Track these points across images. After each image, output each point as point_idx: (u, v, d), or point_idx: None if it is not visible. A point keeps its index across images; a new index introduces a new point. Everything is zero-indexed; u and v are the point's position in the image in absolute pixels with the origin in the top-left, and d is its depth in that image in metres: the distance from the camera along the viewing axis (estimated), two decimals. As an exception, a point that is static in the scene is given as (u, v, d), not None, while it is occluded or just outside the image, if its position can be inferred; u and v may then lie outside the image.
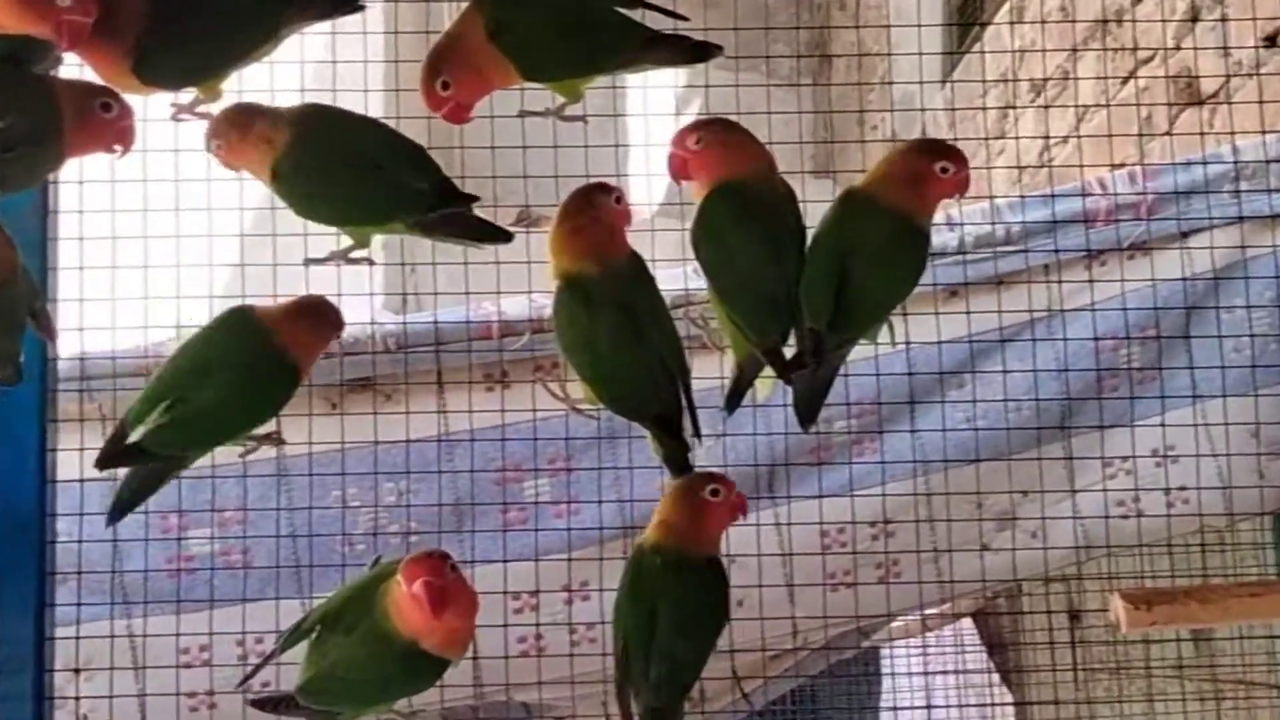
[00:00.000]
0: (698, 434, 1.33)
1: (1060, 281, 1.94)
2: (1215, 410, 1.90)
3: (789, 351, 1.27)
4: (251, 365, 1.32)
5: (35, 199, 1.54)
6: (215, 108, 1.30)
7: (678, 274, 1.68)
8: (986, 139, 3.22)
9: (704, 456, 1.42)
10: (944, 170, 1.26)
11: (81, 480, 1.72)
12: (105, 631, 1.78)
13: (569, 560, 1.85)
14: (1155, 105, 2.59)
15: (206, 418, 1.30)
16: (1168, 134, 2.62)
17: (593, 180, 1.36)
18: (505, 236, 1.33)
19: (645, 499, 1.79)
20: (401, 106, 1.56)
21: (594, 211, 1.29)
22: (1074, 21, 2.95)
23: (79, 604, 1.80)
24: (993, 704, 3.64)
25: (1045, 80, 3.17)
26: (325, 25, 1.42)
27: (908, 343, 1.81)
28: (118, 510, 1.35)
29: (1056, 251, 1.93)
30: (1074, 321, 1.92)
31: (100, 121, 1.20)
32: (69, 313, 1.78)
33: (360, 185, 1.28)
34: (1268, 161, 1.93)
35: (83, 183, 1.81)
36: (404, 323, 1.97)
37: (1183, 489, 1.92)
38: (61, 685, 1.71)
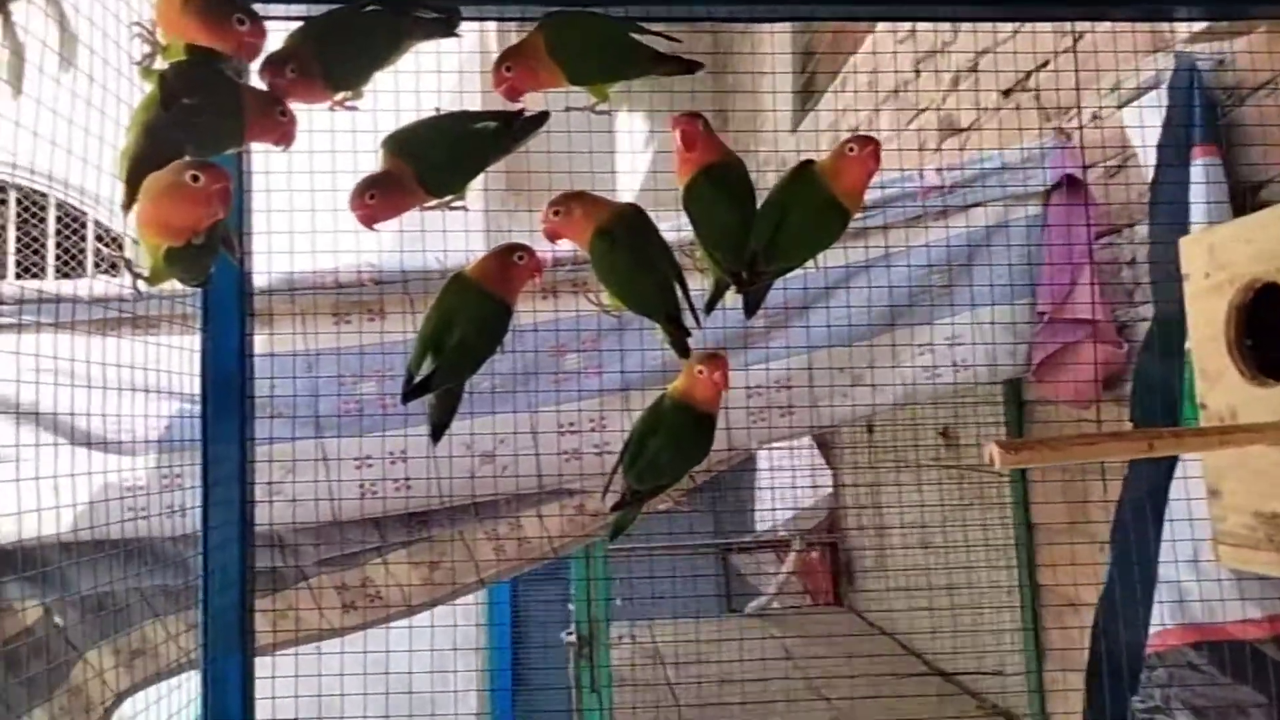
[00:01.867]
0: (698, 323, 1.57)
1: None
2: (986, 314, 2.75)
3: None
4: (478, 311, 1.55)
5: (233, 157, 1.76)
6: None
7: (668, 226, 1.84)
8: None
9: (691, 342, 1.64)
10: (850, 149, 1.48)
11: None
12: (306, 449, 2.55)
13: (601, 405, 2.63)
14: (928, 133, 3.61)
15: (458, 356, 1.54)
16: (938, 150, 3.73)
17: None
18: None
19: (637, 370, 2.62)
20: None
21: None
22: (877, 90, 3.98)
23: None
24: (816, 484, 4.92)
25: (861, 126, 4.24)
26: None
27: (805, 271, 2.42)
28: (437, 430, 1.58)
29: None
30: (902, 259, 2.76)
31: (275, 121, 1.45)
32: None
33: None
34: (1023, 167, 2.79)
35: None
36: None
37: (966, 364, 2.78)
38: (280, 477, 2.53)
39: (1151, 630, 2.30)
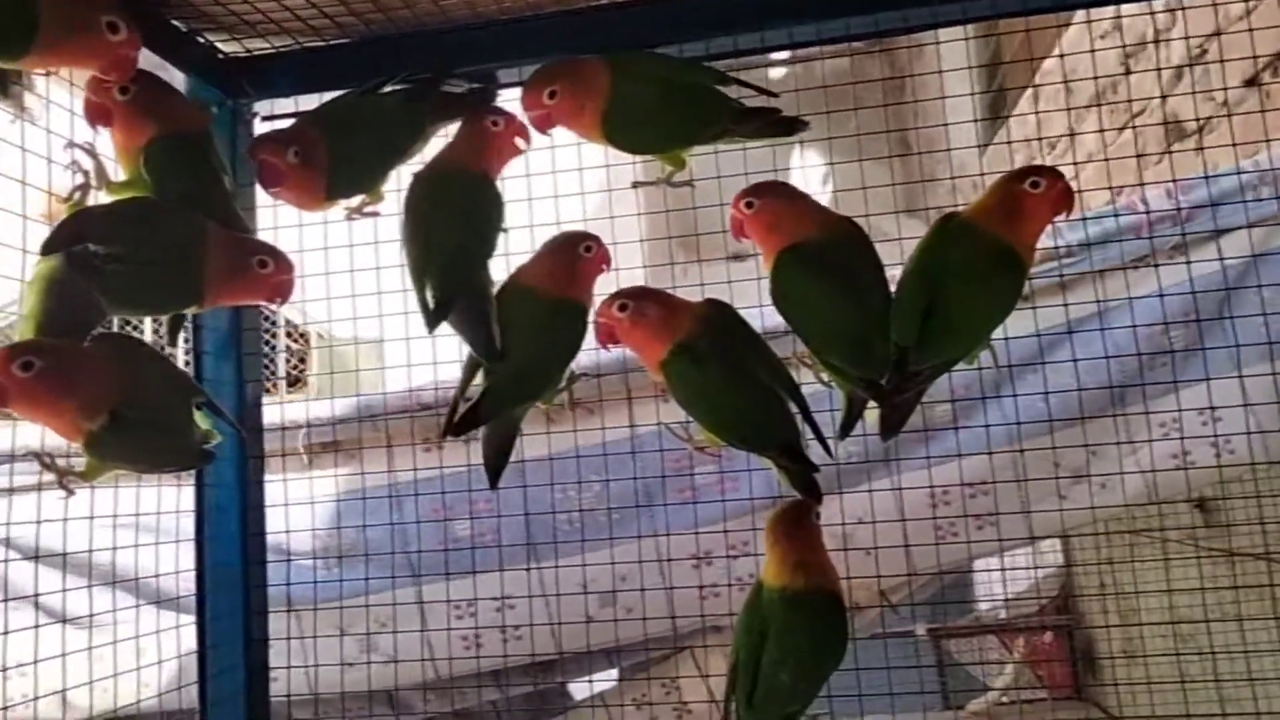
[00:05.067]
0: (827, 450, 1.30)
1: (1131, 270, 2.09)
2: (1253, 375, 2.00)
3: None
4: (541, 317, 1.32)
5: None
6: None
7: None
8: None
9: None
10: (1034, 185, 1.20)
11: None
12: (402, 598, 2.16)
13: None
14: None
15: (515, 373, 1.31)
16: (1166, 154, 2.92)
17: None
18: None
19: None
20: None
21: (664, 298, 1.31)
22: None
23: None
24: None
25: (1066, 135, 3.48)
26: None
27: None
28: (494, 473, 1.38)
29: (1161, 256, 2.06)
30: (1124, 314, 2.08)
31: (255, 276, 1.25)
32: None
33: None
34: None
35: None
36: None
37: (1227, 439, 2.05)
38: (376, 639, 2.14)
39: None
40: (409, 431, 2.22)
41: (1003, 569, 4.31)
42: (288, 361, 5.98)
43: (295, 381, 5.61)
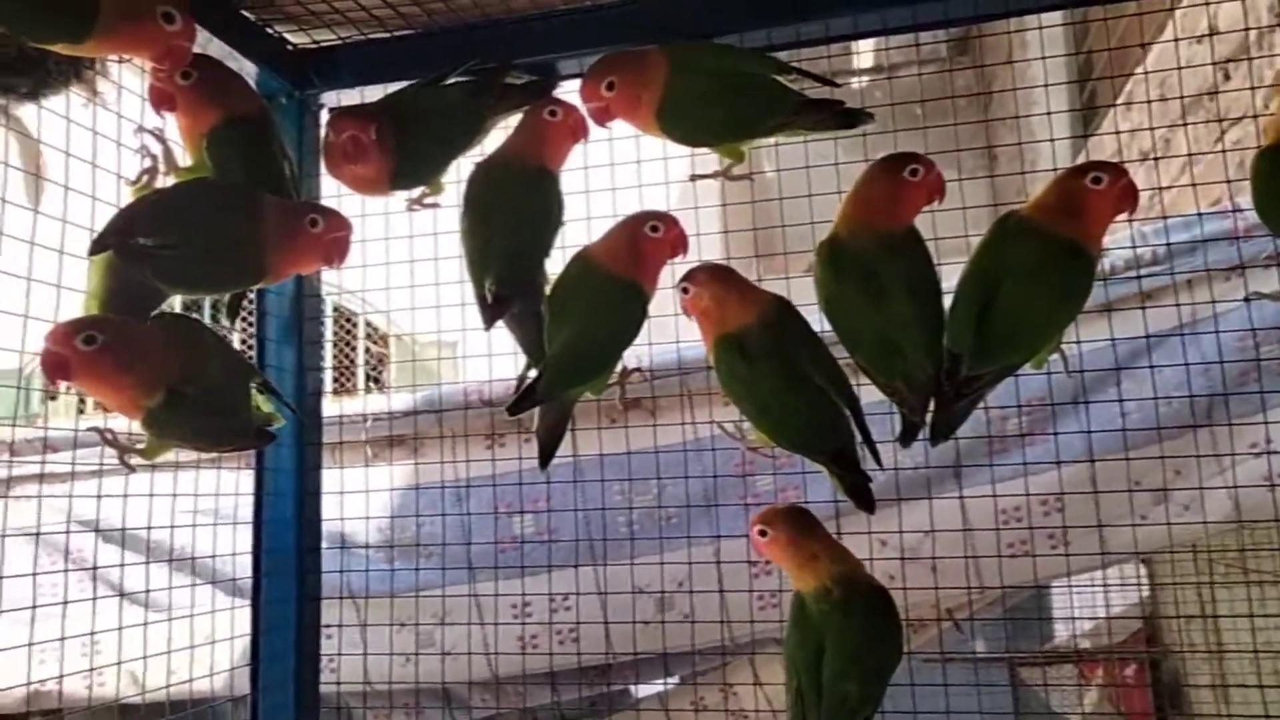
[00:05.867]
0: (878, 462, 1.25)
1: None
2: None
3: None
4: (601, 297, 1.30)
5: (290, 286, 1.58)
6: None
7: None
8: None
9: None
10: (1096, 181, 1.15)
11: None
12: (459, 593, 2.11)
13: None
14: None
15: (573, 353, 1.29)
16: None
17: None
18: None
19: None
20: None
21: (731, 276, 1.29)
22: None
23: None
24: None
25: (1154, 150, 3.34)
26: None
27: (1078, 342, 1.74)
28: (545, 456, 1.37)
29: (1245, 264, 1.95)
30: (1213, 325, 1.94)
31: (308, 236, 1.24)
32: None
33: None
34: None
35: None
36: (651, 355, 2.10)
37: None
38: (429, 632, 2.17)
39: None
40: (471, 427, 2.21)
41: (1083, 590, 4.13)
42: (367, 363, 6.09)
43: (374, 381, 5.70)
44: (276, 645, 1.53)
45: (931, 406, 1.25)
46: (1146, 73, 3.02)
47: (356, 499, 2.13)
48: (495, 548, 2.17)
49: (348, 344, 5.82)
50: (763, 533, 1.27)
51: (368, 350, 6.09)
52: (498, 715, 2.30)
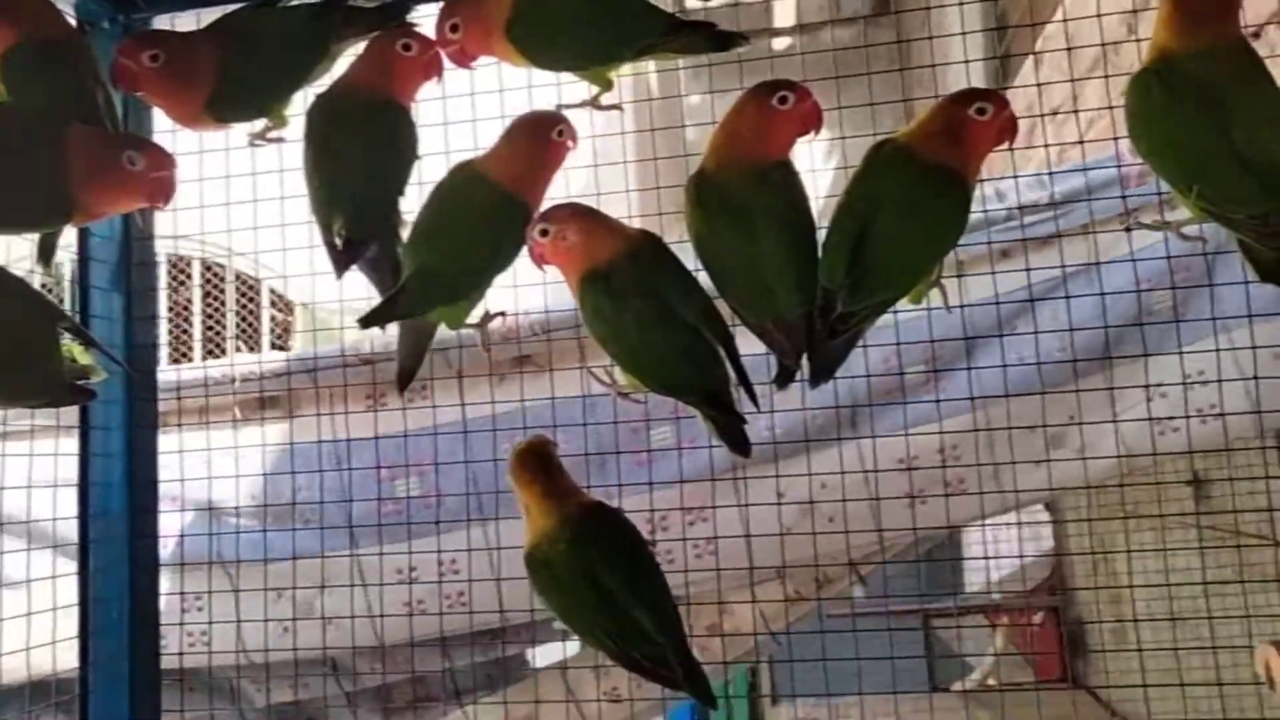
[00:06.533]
0: (754, 401, 1.20)
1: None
2: (1242, 338, 1.89)
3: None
4: (481, 208, 1.23)
5: (118, 229, 1.48)
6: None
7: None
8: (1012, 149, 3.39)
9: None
10: (980, 111, 1.11)
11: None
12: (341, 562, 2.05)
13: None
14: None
15: (442, 265, 1.22)
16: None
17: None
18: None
19: (757, 442, 2.06)
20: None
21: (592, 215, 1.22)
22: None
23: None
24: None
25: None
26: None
27: (962, 306, 1.86)
28: (404, 380, 1.31)
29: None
30: (1110, 271, 1.99)
31: (125, 175, 1.11)
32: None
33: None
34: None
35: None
36: (547, 311, 2.11)
37: (1213, 408, 1.92)
38: (309, 599, 2.03)
39: None
40: (348, 388, 2.10)
41: (988, 557, 4.22)
42: (272, 332, 5.89)
43: (250, 344, 5.51)
44: (108, 617, 1.42)
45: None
46: (1065, 20, 2.98)
47: (226, 464, 2.03)
48: (379, 509, 2.08)
49: (251, 310, 5.62)
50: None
51: (272, 319, 5.89)
52: (385, 685, 2.21)
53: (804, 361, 1.20)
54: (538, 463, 1.27)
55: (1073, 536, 4.27)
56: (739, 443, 1.20)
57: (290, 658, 2.03)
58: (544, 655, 2.34)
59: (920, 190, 1.12)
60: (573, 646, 2.31)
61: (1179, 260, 1.97)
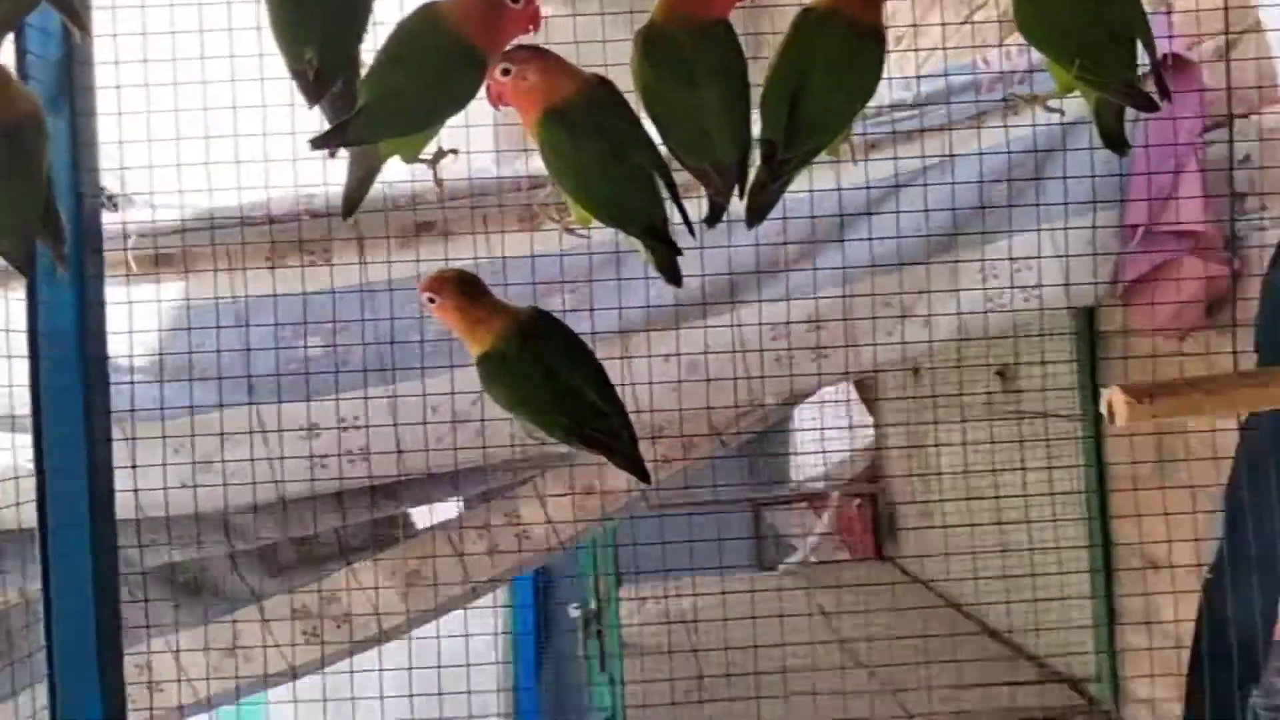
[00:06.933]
0: (692, 232, 1.30)
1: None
2: (1060, 229, 2.23)
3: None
4: (438, 53, 1.23)
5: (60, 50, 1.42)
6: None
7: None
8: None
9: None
10: None
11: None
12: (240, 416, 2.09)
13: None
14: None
15: (397, 101, 1.23)
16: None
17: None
18: None
19: (640, 305, 2.21)
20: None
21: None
22: None
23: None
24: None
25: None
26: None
27: (839, 189, 2.12)
28: (350, 208, 1.30)
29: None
30: (962, 167, 2.25)
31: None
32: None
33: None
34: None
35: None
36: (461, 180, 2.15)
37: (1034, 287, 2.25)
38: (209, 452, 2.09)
39: (1281, 612, 1.86)
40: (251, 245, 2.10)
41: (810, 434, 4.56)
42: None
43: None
44: (66, 485, 1.44)
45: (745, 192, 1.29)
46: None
47: (118, 320, 1.99)
48: (278, 365, 2.10)
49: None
50: (431, 299, 1.30)
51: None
52: (279, 544, 2.26)
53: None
54: (474, 285, 1.32)
55: (890, 426, 4.71)
56: (672, 272, 1.30)
57: (190, 514, 2.05)
58: (436, 515, 2.44)
59: (847, 48, 1.23)
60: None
61: (1015, 158, 2.28)
